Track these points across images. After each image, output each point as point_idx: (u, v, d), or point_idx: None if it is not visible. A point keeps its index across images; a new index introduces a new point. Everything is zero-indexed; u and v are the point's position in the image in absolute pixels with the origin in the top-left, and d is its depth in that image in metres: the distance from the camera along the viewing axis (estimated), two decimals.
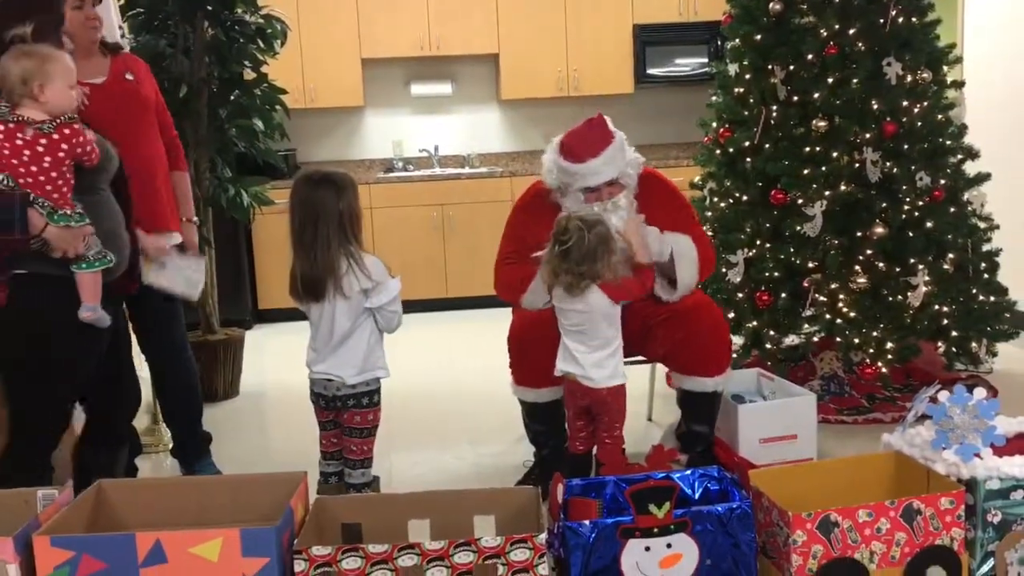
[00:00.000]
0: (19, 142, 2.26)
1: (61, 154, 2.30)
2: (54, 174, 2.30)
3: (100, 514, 2.21)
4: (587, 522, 2.08)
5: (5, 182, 2.26)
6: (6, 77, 2.28)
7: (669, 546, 2.09)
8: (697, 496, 2.36)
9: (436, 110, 7.01)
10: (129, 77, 3.02)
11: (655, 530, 2.08)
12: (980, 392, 2.26)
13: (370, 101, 6.83)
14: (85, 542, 1.95)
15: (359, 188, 2.68)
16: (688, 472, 2.40)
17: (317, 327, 2.66)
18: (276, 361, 5.09)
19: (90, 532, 2.09)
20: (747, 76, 3.95)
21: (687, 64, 6.83)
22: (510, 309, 3.14)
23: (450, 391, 4.45)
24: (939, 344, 3.84)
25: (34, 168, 2.28)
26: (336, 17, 6.48)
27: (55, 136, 2.28)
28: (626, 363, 3.18)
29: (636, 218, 2.94)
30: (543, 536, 2.01)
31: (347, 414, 2.68)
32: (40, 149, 2.28)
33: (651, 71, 6.79)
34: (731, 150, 3.98)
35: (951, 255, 3.81)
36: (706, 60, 6.66)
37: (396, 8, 6.52)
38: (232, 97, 4.35)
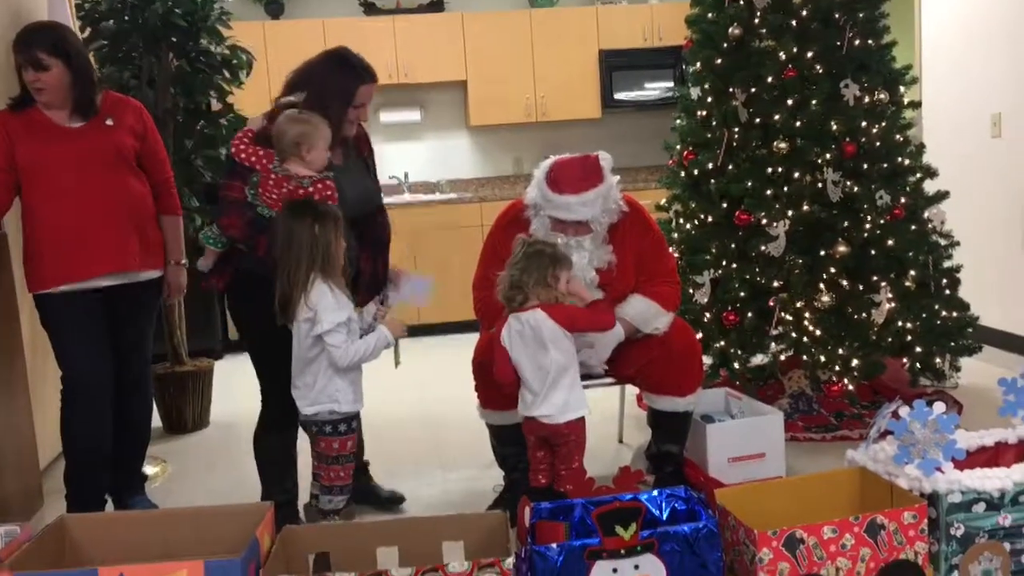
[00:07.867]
0: (285, 190, 2.70)
1: None
2: None
3: (63, 549, 2.19)
4: (554, 545, 2.09)
5: (271, 215, 2.71)
6: (282, 137, 2.71)
7: (637, 567, 2.10)
8: (665, 516, 2.37)
9: (405, 137, 7.04)
10: (109, 123, 3.00)
11: (622, 551, 2.09)
12: (940, 407, 2.30)
13: None
14: None
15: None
16: (655, 493, 2.41)
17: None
18: (248, 390, 5.04)
19: (53, 568, 2.07)
20: (709, 99, 4.00)
21: (654, 88, 6.91)
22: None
23: (421, 417, 4.43)
24: (904, 360, 3.89)
25: None
26: (303, 46, 6.42)
27: (310, 189, 2.71)
28: (597, 385, 3.20)
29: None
30: (511, 560, 2.01)
31: (316, 439, 2.70)
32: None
33: (618, 96, 6.86)
34: (695, 172, 4.03)
35: (913, 272, 3.85)
36: (672, 84, 6.75)
37: (364, 36, 6.53)
38: (198, 127, 4.36)
